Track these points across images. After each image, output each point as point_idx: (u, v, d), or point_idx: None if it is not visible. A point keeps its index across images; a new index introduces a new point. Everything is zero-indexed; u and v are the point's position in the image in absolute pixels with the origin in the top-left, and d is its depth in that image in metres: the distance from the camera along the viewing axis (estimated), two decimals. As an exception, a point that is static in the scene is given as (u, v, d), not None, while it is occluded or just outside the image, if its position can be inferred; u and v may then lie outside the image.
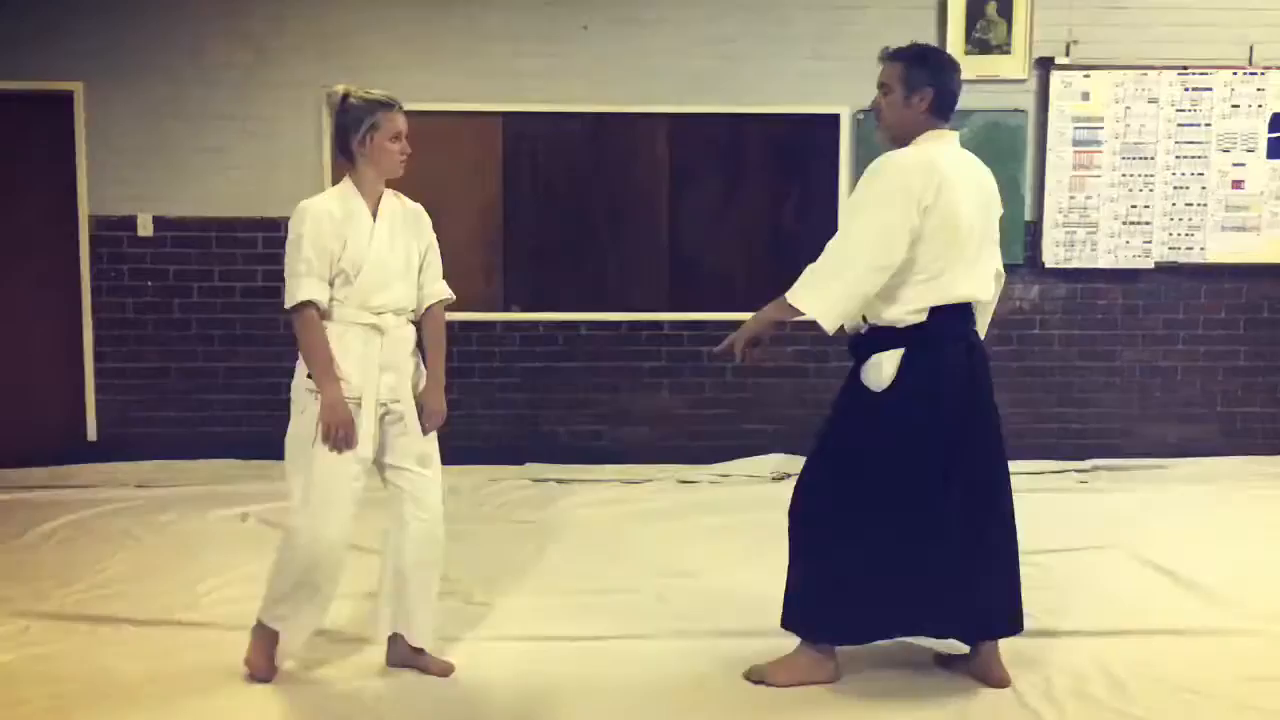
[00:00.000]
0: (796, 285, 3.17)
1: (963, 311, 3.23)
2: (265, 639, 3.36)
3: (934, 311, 3.15)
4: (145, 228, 6.22)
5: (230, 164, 6.09)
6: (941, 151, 3.20)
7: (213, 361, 6.18)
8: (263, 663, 3.36)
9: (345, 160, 3.31)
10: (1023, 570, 4.37)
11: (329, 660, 3.51)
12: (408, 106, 6.09)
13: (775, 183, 6.30)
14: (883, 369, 3.16)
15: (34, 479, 5.84)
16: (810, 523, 3.28)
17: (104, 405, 6.30)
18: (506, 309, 6.37)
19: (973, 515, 3.20)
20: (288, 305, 3.20)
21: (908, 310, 3.15)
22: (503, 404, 6.41)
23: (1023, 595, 3.37)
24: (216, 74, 6.16)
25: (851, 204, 3.24)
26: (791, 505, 3.33)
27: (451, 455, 6.09)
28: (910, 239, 3.09)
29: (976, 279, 3.23)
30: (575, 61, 6.26)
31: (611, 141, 6.31)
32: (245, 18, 6.15)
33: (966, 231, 3.15)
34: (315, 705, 3.22)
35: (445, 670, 3.41)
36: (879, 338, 3.20)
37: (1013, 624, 3.34)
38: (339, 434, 3.16)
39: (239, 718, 3.14)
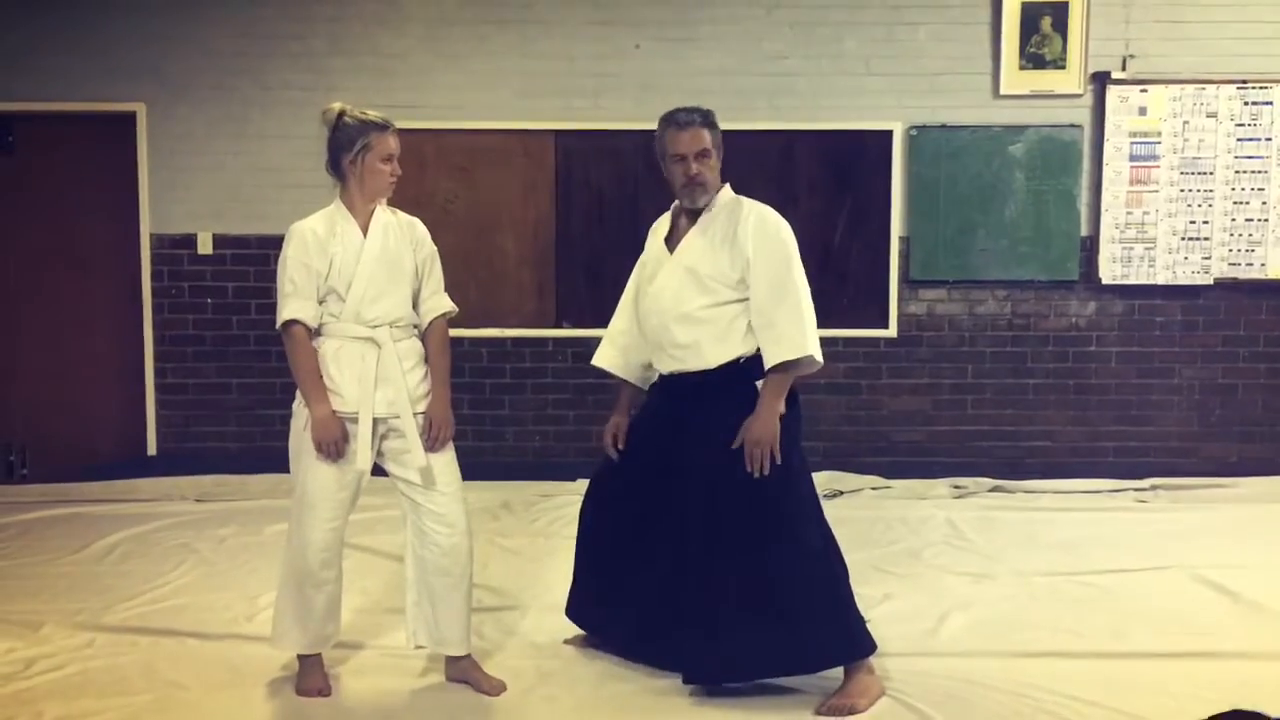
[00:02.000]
0: (800, 340, 3.29)
1: None
2: (305, 662, 3.43)
3: None
4: (205, 246, 6.33)
5: (289, 183, 6.16)
6: None
7: (270, 377, 6.27)
8: (312, 683, 3.41)
9: (336, 178, 3.36)
10: (1083, 591, 4.39)
11: (385, 672, 3.56)
12: (462, 125, 6.29)
13: (827, 199, 6.29)
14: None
15: (95, 493, 5.94)
16: (811, 557, 3.32)
17: (164, 420, 6.41)
18: (559, 325, 6.40)
19: None
20: (276, 325, 3.30)
21: None
22: (554, 420, 6.44)
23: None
24: (275, 94, 6.27)
25: (782, 257, 3.38)
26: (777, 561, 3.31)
27: (503, 470, 6.24)
28: None
29: None
30: (627, 80, 6.30)
31: (663, 159, 6.32)
32: (304, 38, 6.26)
33: None
34: (370, 717, 3.27)
35: (497, 689, 3.43)
36: (755, 366, 3.37)
37: None
38: (329, 449, 3.23)
39: (299, 731, 3.19)
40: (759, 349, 3.37)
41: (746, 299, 3.38)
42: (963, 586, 4.46)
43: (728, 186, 3.59)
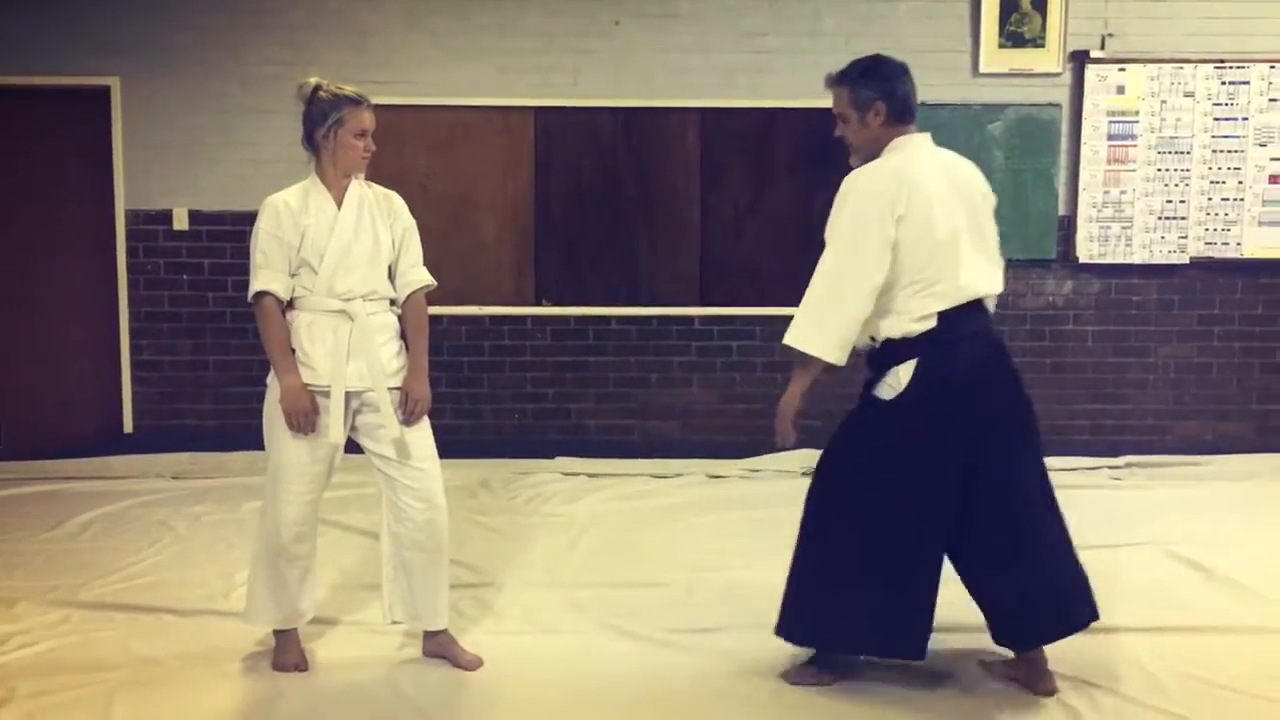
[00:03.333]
0: (793, 329, 3.14)
1: (972, 309, 3.17)
2: (281, 637, 3.43)
3: (943, 315, 3.11)
4: (181, 221, 6.28)
5: (265, 158, 6.10)
6: (909, 157, 3.16)
7: (246, 354, 6.23)
8: (288, 659, 3.41)
9: (310, 152, 3.35)
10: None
11: (361, 648, 3.56)
12: (441, 101, 6.25)
13: (806, 177, 6.27)
14: (899, 378, 3.14)
15: (71, 470, 5.91)
16: (826, 535, 3.26)
17: (140, 397, 6.37)
18: (538, 303, 6.39)
19: (994, 516, 3.17)
20: (248, 297, 3.30)
21: (913, 320, 3.11)
22: (533, 398, 6.44)
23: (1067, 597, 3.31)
24: (252, 69, 6.21)
25: (830, 229, 3.14)
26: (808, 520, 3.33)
27: (482, 448, 6.23)
28: (890, 253, 3.06)
29: (978, 274, 3.17)
30: (607, 57, 6.27)
31: (643, 136, 6.31)
32: (282, 13, 6.20)
33: (948, 232, 3.09)
34: (346, 692, 3.26)
35: (474, 664, 3.44)
36: (896, 350, 3.15)
37: (1052, 629, 3.28)
38: (297, 421, 3.23)
39: (276, 705, 3.18)
40: (903, 333, 3.13)
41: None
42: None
43: (898, 140, 3.21)
